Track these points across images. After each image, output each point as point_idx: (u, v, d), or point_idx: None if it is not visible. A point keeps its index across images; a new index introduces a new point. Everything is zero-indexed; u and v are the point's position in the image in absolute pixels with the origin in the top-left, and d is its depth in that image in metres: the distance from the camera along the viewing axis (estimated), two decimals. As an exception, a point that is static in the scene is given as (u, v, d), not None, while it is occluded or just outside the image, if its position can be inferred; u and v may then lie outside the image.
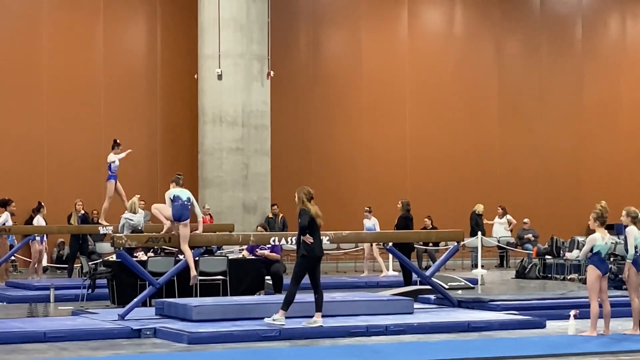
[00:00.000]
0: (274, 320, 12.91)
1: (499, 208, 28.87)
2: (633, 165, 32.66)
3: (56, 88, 26.51)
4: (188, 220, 15.08)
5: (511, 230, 28.78)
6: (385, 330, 13.28)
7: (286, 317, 12.99)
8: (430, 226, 26.47)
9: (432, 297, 16.50)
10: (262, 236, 16.65)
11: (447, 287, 18.50)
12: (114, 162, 19.84)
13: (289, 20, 28.81)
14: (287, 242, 15.61)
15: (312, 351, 11.90)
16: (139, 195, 19.01)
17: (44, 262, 23.68)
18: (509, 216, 28.80)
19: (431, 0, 31.11)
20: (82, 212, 22.59)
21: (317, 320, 13.07)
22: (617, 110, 32.85)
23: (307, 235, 12.97)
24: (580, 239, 22.88)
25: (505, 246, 27.97)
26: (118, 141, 19.98)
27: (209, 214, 24.96)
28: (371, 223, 23.07)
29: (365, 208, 23.59)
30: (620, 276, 18.86)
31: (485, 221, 28.36)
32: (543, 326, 14.01)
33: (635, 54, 33.10)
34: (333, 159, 29.14)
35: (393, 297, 16.08)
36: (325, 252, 25.84)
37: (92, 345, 12.33)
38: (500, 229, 28.63)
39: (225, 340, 12.48)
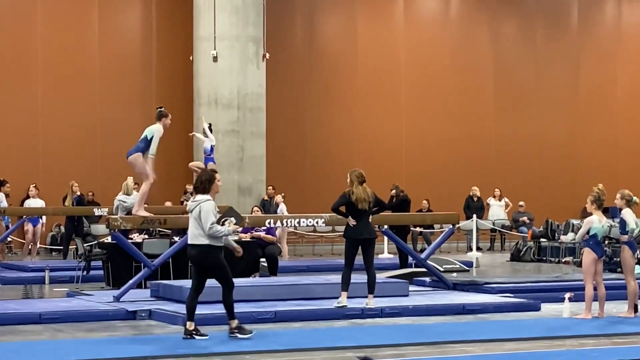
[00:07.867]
0: (338, 303, 13.19)
1: (496, 189, 28.86)
2: (628, 149, 32.64)
3: (52, 70, 26.41)
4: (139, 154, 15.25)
5: (507, 214, 28.82)
6: (381, 313, 13.30)
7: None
8: (427, 208, 26.49)
9: (427, 279, 16.51)
10: (258, 218, 16.65)
11: (442, 269, 18.53)
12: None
13: (285, 2, 28.72)
14: (282, 224, 15.88)
15: (307, 333, 11.89)
16: (132, 177, 18.93)
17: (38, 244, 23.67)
18: (506, 199, 28.82)
19: (427, -17, 31.06)
20: (78, 193, 22.58)
21: (369, 302, 13.29)
22: (612, 94, 32.81)
23: (349, 217, 13.26)
24: (575, 222, 22.90)
25: (500, 229, 27.99)
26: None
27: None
28: None
29: None
30: (615, 259, 18.95)
31: (487, 202, 28.45)
32: (538, 309, 14.03)
33: (630, 38, 33.04)
34: (328, 141, 29.10)
35: (388, 279, 16.09)
36: (320, 234, 26.38)
37: (87, 327, 12.32)
38: (499, 211, 28.64)
39: (220, 322, 12.44)
